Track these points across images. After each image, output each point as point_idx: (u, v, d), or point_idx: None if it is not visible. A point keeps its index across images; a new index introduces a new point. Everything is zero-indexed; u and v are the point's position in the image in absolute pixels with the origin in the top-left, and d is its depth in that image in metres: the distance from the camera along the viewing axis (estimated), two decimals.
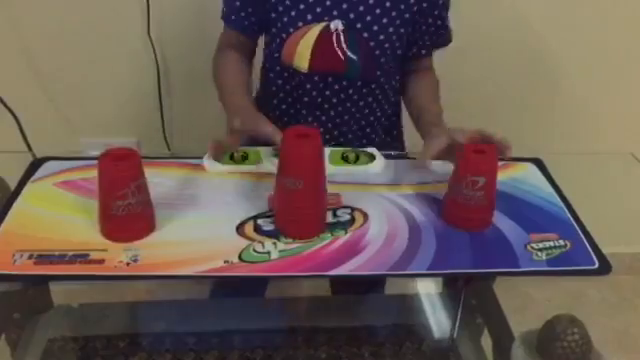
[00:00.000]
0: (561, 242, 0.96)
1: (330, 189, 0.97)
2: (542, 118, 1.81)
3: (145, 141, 1.74)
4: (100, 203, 0.89)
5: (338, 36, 1.07)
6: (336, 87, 1.14)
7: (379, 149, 1.14)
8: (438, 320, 1.16)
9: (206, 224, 0.95)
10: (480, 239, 0.96)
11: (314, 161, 0.90)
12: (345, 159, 1.11)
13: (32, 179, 1.04)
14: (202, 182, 1.05)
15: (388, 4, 1.07)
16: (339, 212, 0.99)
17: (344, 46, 1.08)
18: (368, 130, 1.23)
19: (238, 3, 1.12)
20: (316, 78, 1.13)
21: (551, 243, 0.96)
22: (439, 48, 1.21)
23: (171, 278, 0.87)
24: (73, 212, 0.96)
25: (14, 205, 0.98)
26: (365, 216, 0.99)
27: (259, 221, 0.96)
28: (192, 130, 1.74)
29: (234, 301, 1.27)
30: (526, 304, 1.18)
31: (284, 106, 1.20)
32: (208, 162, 1.08)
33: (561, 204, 1.06)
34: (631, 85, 1.78)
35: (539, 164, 1.16)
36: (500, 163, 1.14)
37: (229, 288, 1.25)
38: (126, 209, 0.87)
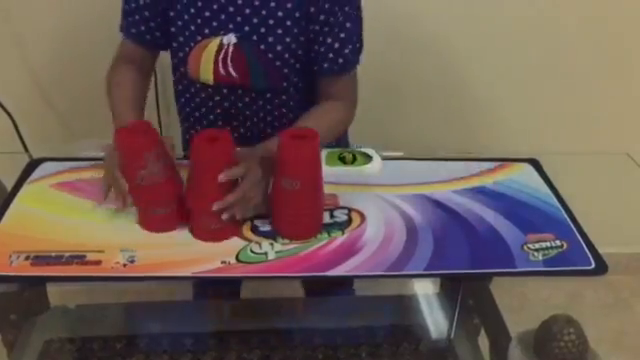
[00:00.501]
0: (557, 242, 0.96)
1: (327, 190, 0.97)
2: (538, 119, 1.81)
3: None
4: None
5: (235, 49, 1.05)
6: (247, 99, 1.12)
7: None
8: (435, 320, 1.16)
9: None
10: (477, 239, 0.96)
11: (311, 162, 0.90)
12: (342, 160, 1.11)
13: (29, 180, 1.04)
14: None
15: (280, 14, 1.04)
16: (336, 213, 0.99)
17: (241, 60, 1.06)
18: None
19: (138, 17, 1.09)
20: (225, 90, 1.11)
21: (547, 243, 0.96)
22: (336, 74, 1.09)
23: (168, 279, 0.87)
24: (70, 213, 0.96)
25: (11, 206, 0.98)
26: (362, 217, 0.99)
27: (256, 222, 0.96)
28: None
29: (231, 302, 1.27)
30: (523, 304, 1.19)
31: (201, 118, 1.19)
32: None
33: (557, 204, 1.06)
34: (627, 85, 1.79)
35: (535, 164, 1.16)
36: (496, 164, 1.15)
37: (208, 288, 1.25)
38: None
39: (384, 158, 1.13)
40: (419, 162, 1.16)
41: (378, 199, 1.04)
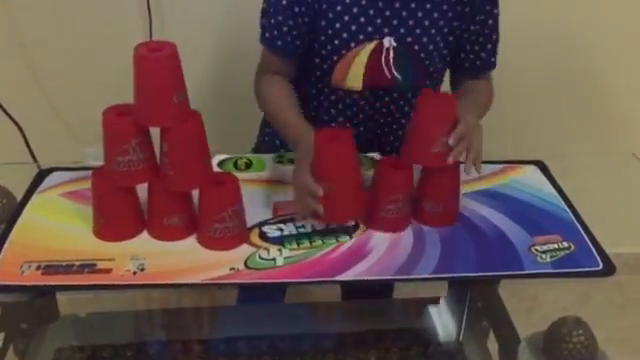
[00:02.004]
0: (565, 244, 0.96)
1: None
2: (544, 120, 1.81)
3: None
4: None
5: (389, 54, 1.07)
6: (386, 99, 1.14)
7: None
8: (444, 324, 1.16)
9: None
10: (484, 242, 0.96)
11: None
12: None
13: (38, 190, 1.05)
14: None
15: (436, 14, 1.06)
16: None
17: (396, 63, 1.08)
18: None
19: (285, 28, 1.07)
20: (367, 93, 1.12)
21: (555, 245, 0.96)
22: (484, 71, 1.19)
23: (178, 286, 0.87)
24: (80, 222, 0.97)
25: (21, 216, 0.98)
26: None
27: (264, 228, 0.97)
28: None
29: (240, 308, 1.27)
30: (531, 306, 1.19)
31: (334, 124, 1.18)
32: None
33: (564, 206, 1.06)
34: (633, 85, 1.79)
35: (541, 166, 1.16)
36: (502, 166, 1.15)
37: (253, 292, 1.24)
38: None
39: None
40: None
41: None
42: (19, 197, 1.03)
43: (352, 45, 1.06)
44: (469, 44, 1.13)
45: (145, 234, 0.95)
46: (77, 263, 0.89)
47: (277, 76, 1.14)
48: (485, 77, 1.20)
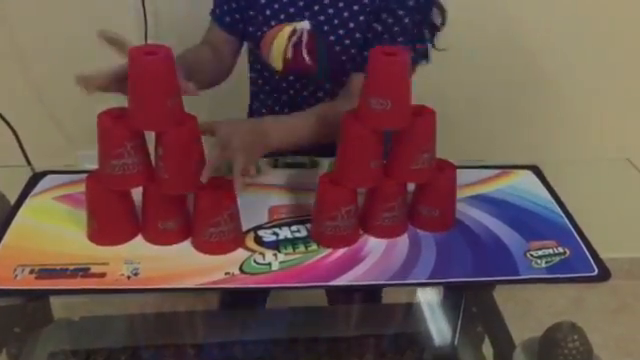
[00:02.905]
0: (560, 249, 0.97)
1: None
2: (539, 125, 1.81)
3: None
4: None
5: (304, 37, 1.07)
6: (311, 88, 1.15)
7: None
8: (439, 328, 1.16)
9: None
10: (479, 247, 0.96)
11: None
12: None
13: (32, 193, 1.04)
14: None
15: (356, 7, 1.06)
16: None
17: (312, 49, 1.08)
18: None
19: (227, 6, 1.13)
20: (291, 78, 1.14)
21: (550, 250, 0.96)
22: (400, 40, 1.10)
23: (172, 291, 0.87)
24: (74, 226, 0.96)
25: (14, 220, 0.98)
26: None
27: (260, 232, 0.97)
28: None
29: (235, 312, 1.27)
30: (526, 311, 1.19)
31: (266, 104, 1.21)
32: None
33: (559, 211, 1.06)
34: (628, 91, 1.79)
35: (536, 171, 1.17)
36: (497, 171, 1.15)
37: (235, 298, 1.25)
38: None
39: None
40: None
41: None
42: (12, 200, 1.03)
43: (273, 23, 1.08)
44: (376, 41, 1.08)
45: (139, 238, 0.95)
46: (71, 267, 0.88)
47: (206, 46, 1.16)
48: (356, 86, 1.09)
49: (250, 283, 0.88)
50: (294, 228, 0.97)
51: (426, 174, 0.94)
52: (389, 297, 1.29)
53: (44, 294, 0.94)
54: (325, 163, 1.11)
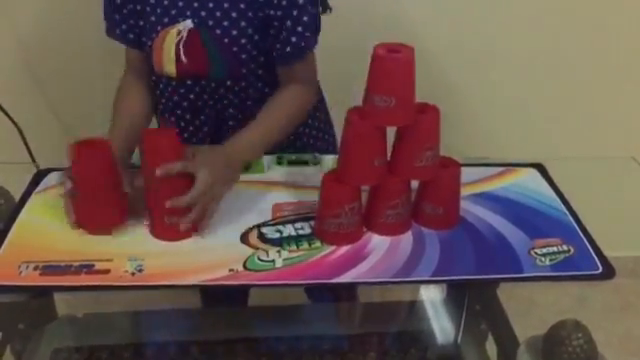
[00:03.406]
0: (564, 247, 0.96)
1: None
2: (543, 123, 1.81)
3: None
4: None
5: (193, 36, 1.05)
6: (208, 89, 1.11)
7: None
8: (442, 326, 1.16)
9: (210, 233, 0.96)
10: (483, 245, 0.96)
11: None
12: None
13: (36, 190, 1.05)
14: None
15: None
16: None
17: (199, 47, 1.06)
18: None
19: (117, 16, 1.10)
20: (189, 82, 1.11)
21: (554, 248, 0.96)
22: (297, 59, 1.08)
23: (176, 287, 0.87)
24: None
25: (19, 216, 0.98)
26: None
27: (263, 229, 0.97)
28: None
29: (238, 310, 1.27)
30: (530, 309, 1.19)
31: (170, 113, 1.18)
32: None
33: (563, 209, 1.06)
34: (632, 89, 1.79)
35: (541, 169, 1.16)
36: (501, 169, 1.15)
37: (218, 295, 1.25)
38: None
39: None
40: None
41: None
42: (17, 197, 1.03)
43: (159, 29, 1.06)
44: (273, 29, 1.06)
45: (142, 233, 0.95)
46: (75, 264, 0.89)
47: (130, 75, 1.16)
48: (291, 74, 1.11)
49: (253, 280, 0.88)
50: (298, 225, 0.97)
51: (430, 171, 0.94)
52: (392, 295, 1.29)
53: (48, 290, 0.94)
54: (329, 160, 1.11)
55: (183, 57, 1.05)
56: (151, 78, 1.16)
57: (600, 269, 0.93)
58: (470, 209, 1.04)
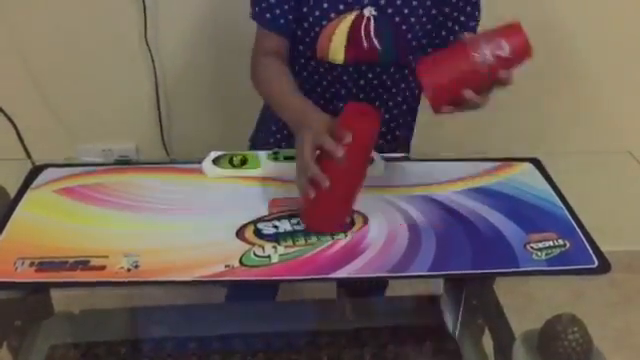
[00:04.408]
0: (560, 241, 0.97)
1: None
2: (539, 118, 1.81)
3: (144, 146, 1.74)
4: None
5: (370, 23, 1.07)
6: (370, 75, 1.14)
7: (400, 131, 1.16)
8: (439, 321, 1.16)
9: (206, 229, 0.96)
10: (479, 240, 0.96)
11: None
12: None
13: (32, 186, 1.04)
14: (201, 187, 1.05)
15: None
16: None
17: (377, 33, 1.08)
18: (395, 112, 1.23)
19: (274, 1, 1.07)
20: (351, 69, 1.12)
21: (550, 243, 0.96)
22: (472, 25, 1.14)
23: (172, 283, 0.87)
24: (73, 219, 0.97)
25: (14, 213, 0.98)
26: (365, 218, 0.99)
27: (259, 225, 0.96)
28: (190, 135, 1.74)
29: (235, 305, 1.27)
30: (526, 304, 1.19)
31: (327, 99, 1.18)
32: (207, 167, 1.09)
33: (560, 203, 1.06)
34: (628, 83, 1.79)
35: (537, 164, 1.16)
36: (498, 163, 1.15)
37: (243, 290, 1.24)
38: None
39: (386, 159, 1.13)
40: (421, 163, 1.16)
41: (380, 201, 1.04)
42: (12, 193, 1.03)
43: (332, 15, 1.06)
44: (451, 20, 1.11)
45: (139, 230, 0.95)
46: (71, 260, 0.88)
47: (271, 57, 1.12)
48: None
49: (250, 276, 0.88)
50: (294, 221, 0.97)
51: None
52: (389, 290, 1.30)
53: (44, 287, 0.94)
54: None
55: (364, 42, 1.07)
56: (289, 63, 1.14)
57: (596, 263, 0.93)
58: (466, 204, 1.04)
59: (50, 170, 1.08)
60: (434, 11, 1.09)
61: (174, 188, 1.05)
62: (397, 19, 1.07)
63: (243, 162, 1.10)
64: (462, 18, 1.11)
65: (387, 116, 1.21)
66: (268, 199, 1.02)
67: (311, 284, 0.90)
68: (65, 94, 1.66)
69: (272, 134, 1.25)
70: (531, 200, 1.06)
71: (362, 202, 1.02)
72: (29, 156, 1.50)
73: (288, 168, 1.09)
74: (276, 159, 1.11)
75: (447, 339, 1.13)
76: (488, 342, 1.05)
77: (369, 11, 1.06)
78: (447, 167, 1.14)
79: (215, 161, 1.10)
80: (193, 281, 0.87)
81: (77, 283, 0.86)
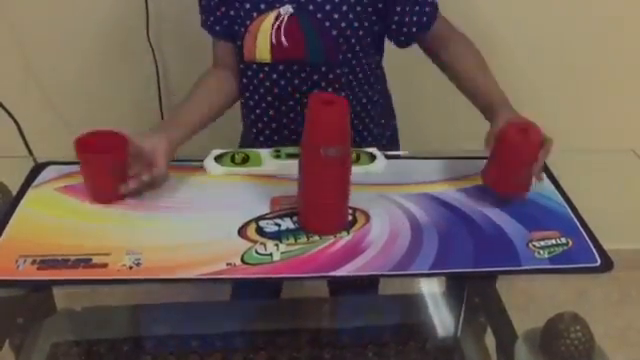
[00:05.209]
0: (563, 240, 0.96)
1: None
2: (542, 116, 1.80)
3: None
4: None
5: (291, 21, 1.06)
6: (303, 75, 1.12)
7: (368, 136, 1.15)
8: (441, 319, 1.16)
9: (208, 227, 0.96)
10: (482, 238, 0.96)
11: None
12: None
13: (34, 184, 1.04)
14: (203, 185, 1.05)
15: None
16: None
17: (299, 31, 1.07)
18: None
19: (208, 8, 1.11)
20: (281, 67, 1.11)
21: (553, 241, 0.96)
22: (429, 24, 1.13)
23: (174, 281, 0.87)
24: (75, 217, 0.97)
25: (16, 210, 0.98)
26: (367, 216, 0.99)
27: (261, 223, 0.96)
28: None
29: (237, 303, 1.27)
30: (528, 302, 1.18)
31: (259, 101, 1.17)
32: (209, 165, 1.08)
33: (562, 201, 1.06)
34: (632, 81, 1.78)
35: None
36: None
37: (247, 289, 1.25)
38: None
39: (388, 157, 1.13)
40: (423, 161, 1.16)
41: (382, 198, 1.04)
42: (14, 191, 1.03)
43: (254, 15, 1.07)
44: (399, 5, 1.09)
45: (142, 228, 0.95)
46: (73, 258, 0.88)
47: (216, 67, 1.16)
48: (454, 32, 1.17)
49: (251, 274, 0.88)
50: (295, 219, 0.97)
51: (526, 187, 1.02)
52: (391, 288, 1.29)
53: (46, 285, 0.94)
54: None
55: (284, 40, 1.07)
56: (237, 70, 1.16)
57: (598, 262, 0.93)
58: (468, 202, 1.04)
59: (52, 168, 1.08)
60: (359, 8, 1.07)
61: (176, 186, 1.05)
62: (319, 15, 1.06)
63: (245, 160, 1.10)
64: (406, 19, 1.10)
65: None
66: (270, 197, 1.02)
67: (313, 282, 0.90)
68: (67, 92, 1.65)
69: (255, 138, 1.26)
70: (534, 198, 1.06)
71: (364, 200, 1.02)
72: (31, 154, 1.49)
73: (290, 166, 1.09)
74: (278, 157, 1.11)
75: (449, 338, 1.13)
76: (490, 340, 1.04)
77: (285, 10, 1.06)
78: (449, 165, 1.14)
79: (217, 159, 1.10)
80: (195, 279, 0.87)
81: (79, 281, 0.86)
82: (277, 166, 1.09)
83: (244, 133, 1.31)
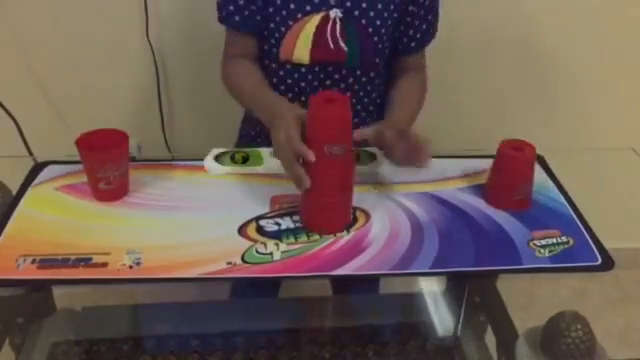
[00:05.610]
0: (563, 238, 0.96)
1: None
2: (543, 115, 1.81)
3: (145, 143, 1.74)
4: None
5: (336, 25, 1.08)
6: (336, 76, 1.14)
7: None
8: (442, 318, 1.16)
9: (208, 226, 0.95)
10: (482, 237, 0.96)
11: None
12: None
13: (33, 184, 1.04)
14: (203, 184, 1.05)
15: None
16: None
17: (343, 35, 1.08)
18: (364, 114, 1.23)
19: (241, 2, 1.09)
20: (317, 69, 1.13)
21: (553, 240, 0.96)
22: (424, 45, 1.20)
23: (174, 281, 0.87)
24: (75, 216, 0.96)
25: (16, 210, 0.98)
26: (367, 216, 0.99)
27: (261, 222, 0.96)
28: (192, 132, 1.74)
29: (237, 302, 1.27)
30: (529, 301, 1.18)
31: (290, 99, 1.17)
32: (209, 164, 1.08)
33: (563, 200, 1.06)
34: (632, 80, 1.78)
35: (541, 160, 1.16)
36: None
37: (246, 288, 1.25)
38: None
39: None
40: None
41: (382, 198, 1.04)
42: (14, 191, 1.03)
43: (299, 16, 1.07)
44: (404, 25, 1.15)
45: (143, 227, 0.95)
46: (73, 257, 0.88)
47: (240, 59, 1.15)
48: (417, 61, 1.21)
49: (252, 273, 0.87)
50: (296, 218, 0.97)
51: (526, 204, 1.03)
52: (391, 287, 1.29)
53: (46, 284, 0.94)
54: None
55: (330, 43, 1.08)
56: (259, 64, 1.17)
57: (599, 260, 0.93)
58: (469, 200, 1.04)
59: (52, 167, 1.08)
60: (396, 15, 1.11)
61: (176, 185, 1.05)
62: (363, 21, 1.08)
63: (245, 159, 1.09)
64: (430, 18, 1.16)
65: (356, 120, 1.19)
66: (270, 196, 1.02)
67: (313, 281, 0.89)
68: (67, 91, 1.65)
69: (253, 139, 1.26)
70: (534, 197, 1.06)
71: (364, 199, 1.02)
72: (31, 153, 1.49)
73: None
74: None
75: (449, 337, 1.13)
76: (491, 339, 1.04)
77: (335, 13, 1.07)
78: (450, 164, 1.13)
79: (217, 158, 1.10)
80: (195, 278, 0.87)
81: (79, 280, 0.86)
82: (277, 165, 1.09)
83: (244, 133, 1.30)
